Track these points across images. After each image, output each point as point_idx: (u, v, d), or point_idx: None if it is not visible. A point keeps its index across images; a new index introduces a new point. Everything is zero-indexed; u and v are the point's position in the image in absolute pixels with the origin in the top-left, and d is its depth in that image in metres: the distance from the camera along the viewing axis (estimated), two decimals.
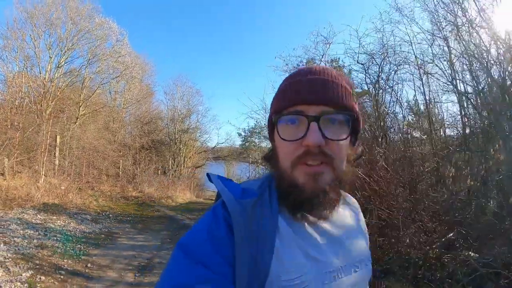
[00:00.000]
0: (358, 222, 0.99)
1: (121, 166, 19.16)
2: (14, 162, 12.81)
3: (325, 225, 0.85)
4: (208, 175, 0.92)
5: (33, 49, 18.88)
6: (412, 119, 8.51)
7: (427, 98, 7.85)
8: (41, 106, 16.60)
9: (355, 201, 1.07)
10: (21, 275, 5.66)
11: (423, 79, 7.75)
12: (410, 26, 7.87)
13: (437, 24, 7.37)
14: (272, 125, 0.89)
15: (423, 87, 7.80)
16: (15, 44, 18.51)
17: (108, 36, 21.71)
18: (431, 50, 7.60)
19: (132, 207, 12.97)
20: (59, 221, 9.41)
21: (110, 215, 11.07)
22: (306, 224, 0.82)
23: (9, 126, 13.86)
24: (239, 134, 24.07)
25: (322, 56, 9.47)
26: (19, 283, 5.36)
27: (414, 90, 8.16)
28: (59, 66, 19.60)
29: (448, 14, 7.00)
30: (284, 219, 0.80)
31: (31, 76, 18.42)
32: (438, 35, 7.33)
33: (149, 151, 23.69)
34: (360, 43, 8.33)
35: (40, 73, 19.07)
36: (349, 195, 1.04)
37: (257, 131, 18.46)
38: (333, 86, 0.82)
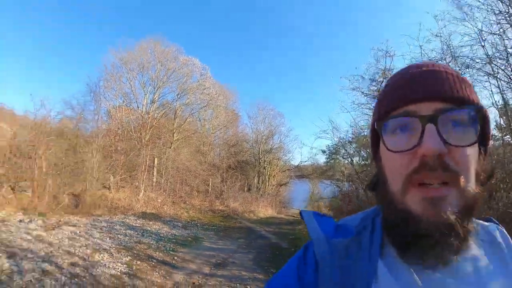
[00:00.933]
0: (506, 268, 0.63)
1: (210, 183, 20.98)
2: (119, 179, 15.11)
3: (447, 274, 0.59)
4: (300, 213, 0.77)
5: (130, 88, 23.06)
6: None
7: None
8: (140, 134, 19.34)
9: (504, 233, 0.70)
10: (122, 259, 7.02)
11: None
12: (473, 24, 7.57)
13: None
14: (375, 136, 0.70)
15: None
16: (114, 84, 22.63)
17: (193, 72, 24.95)
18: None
19: (217, 219, 14.21)
20: (155, 226, 10.93)
21: (198, 224, 12.28)
22: (418, 272, 0.59)
23: (114, 151, 16.42)
24: (323, 152, 24.17)
25: (386, 70, 9.50)
26: (120, 264, 6.70)
27: (491, 90, 7.67)
28: (153, 101, 23.32)
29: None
30: (387, 264, 0.62)
31: (130, 109, 22.29)
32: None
33: (235, 170, 25.33)
34: (421, 50, 8.36)
35: (138, 107, 22.93)
36: (491, 223, 0.72)
37: (340, 148, 18.62)
38: (448, 76, 0.63)
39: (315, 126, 18.68)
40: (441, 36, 8.13)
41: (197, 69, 25.12)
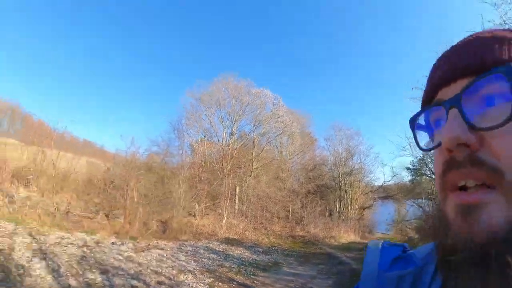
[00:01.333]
0: None
1: (290, 209, 21.18)
2: (203, 207, 16.19)
3: None
4: (368, 245, 0.66)
5: (209, 123, 25.73)
6: None
7: None
8: (222, 164, 20.73)
9: None
10: (205, 280, 7.60)
11: None
12: None
13: None
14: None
15: None
16: (195, 122, 25.59)
17: (266, 103, 26.39)
18: None
19: (298, 245, 14.25)
20: (236, 251, 11.46)
21: (278, 250, 12.50)
22: None
23: (198, 181, 17.71)
24: (407, 169, 23.06)
25: None
26: (202, 284, 7.28)
27: None
28: (232, 133, 25.47)
29: None
30: None
31: (211, 143, 24.91)
32: None
33: (315, 195, 25.14)
34: None
35: (218, 140, 25.41)
36: None
37: (423, 165, 17.81)
38: (490, 41, 0.46)
39: (392, 143, 17.84)
40: (506, 24, 7.55)
41: (269, 99, 26.48)
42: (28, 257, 7.78)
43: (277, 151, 28.70)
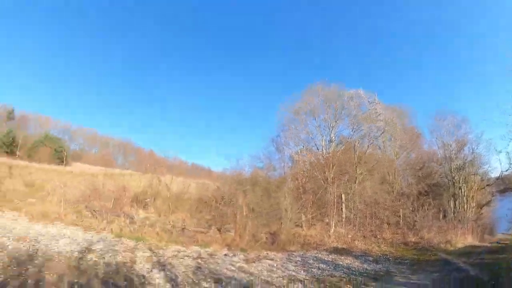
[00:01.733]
0: None
1: (401, 214, 19.86)
2: (310, 217, 16.30)
3: None
4: None
5: (307, 133, 26.02)
6: None
7: None
8: (325, 173, 20.67)
9: None
10: None
11: None
12: None
13: None
14: None
15: None
16: (292, 134, 26.45)
17: (361, 103, 25.56)
18: None
19: (410, 252, 13.43)
20: (346, 260, 11.47)
21: (390, 258, 11.99)
22: None
23: (302, 192, 17.90)
24: None
25: None
26: None
27: None
28: (331, 140, 25.24)
29: None
30: None
31: (311, 152, 25.28)
32: None
33: (427, 196, 23.29)
34: None
35: (318, 149, 25.57)
36: None
37: None
38: None
39: (501, 124, 14.67)
40: None
41: (364, 99, 25.58)
42: (148, 268, 8.92)
43: (381, 152, 27.16)
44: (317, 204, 18.32)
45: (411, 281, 9.20)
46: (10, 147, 56.44)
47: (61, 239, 10.90)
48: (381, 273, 10.14)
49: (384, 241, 15.60)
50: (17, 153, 52.95)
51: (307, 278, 9.02)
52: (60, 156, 39.87)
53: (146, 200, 16.43)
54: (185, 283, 8.17)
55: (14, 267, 7.48)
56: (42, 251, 9.21)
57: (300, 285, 8.37)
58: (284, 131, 26.65)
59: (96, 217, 14.21)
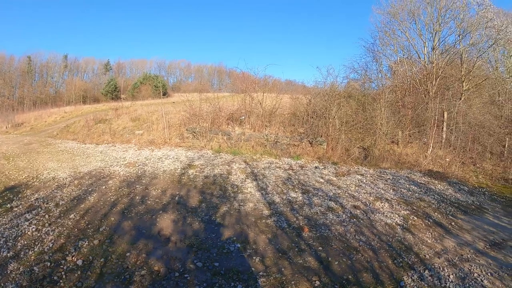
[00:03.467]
0: None
1: (506, 144, 17.38)
2: (407, 134, 15.75)
3: None
4: None
5: (406, 40, 23.03)
6: None
7: None
8: (427, 86, 19.00)
9: None
10: (400, 212, 7.92)
11: None
12: None
13: None
14: None
15: None
16: (390, 40, 23.76)
17: (469, 4, 21.05)
18: None
19: (509, 190, 11.98)
20: (439, 186, 11.15)
21: (486, 192, 10.99)
22: None
23: (401, 106, 16.98)
24: None
25: None
26: (397, 215, 7.69)
27: None
28: (434, 48, 21.91)
29: None
30: None
31: (412, 62, 22.49)
32: None
33: None
34: None
35: (419, 58, 22.68)
36: None
37: None
38: None
39: None
40: None
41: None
42: (242, 178, 9.90)
43: (492, 67, 23.44)
44: (416, 120, 17.33)
45: (503, 223, 8.20)
46: (115, 93, 65.07)
47: (166, 160, 12.61)
48: (473, 207, 9.37)
49: (483, 171, 14.19)
50: (121, 96, 59.25)
51: (394, 198, 9.09)
52: (159, 91, 43.54)
53: (241, 118, 17.26)
54: (274, 192, 8.90)
55: (125, 188, 9.05)
56: (149, 172, 10.86)
57: (386, 204, 8.50)
58: (380, 38, 24.21)
59: (197, 138, 15.80)
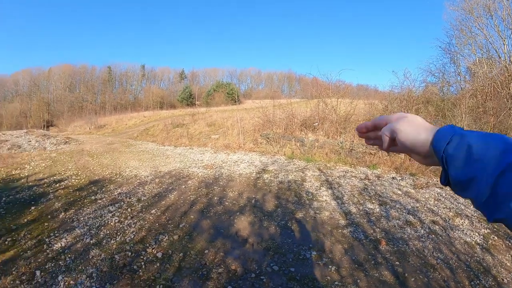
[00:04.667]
0: None
1: None
2: None
3: None
4: None
5: (484, 38, 20.49)
6: None
7: None
8: (508, 89, 17.19)
9: None
10: (480, 230, 7.29)
11: None
12: None
13: None
14: None
15: None
16: (467, 39, 21.34)
17: None
18: None
19: None
20: None
21: None
22: None
23: (482, 112, 15.52)
24: None
25: None
26: (477, 234, 7.02)
27: None
28: None
29: None
30: None
31: (491, 62, 20.03)
32: None
33: None
34: None
35: (499, 57, 20.04)
36: None
37: None
38: None
39: None
40: None
41: None
42: (316, 186, 9.62)
43: None
44: (499, 128, 15.82)
45: None
46: (189, 100, 68.90)
47: (241, 163, 12.78)
48: None
49: None
50: (196, 103, 62.67)
51: (475, 215, 8.29)
52: (232, 98, 45.27)
53: (314, 124, 17.06)
54: (350, 202, 8.57)
55: (203, 188, 9.28)
56: (225, 175, 11.05)
57: (466, 221, 7.79)
58: (457, 37, 22.03)
59: (271, 143, 15.87)
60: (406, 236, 6.74)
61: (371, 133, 0.92)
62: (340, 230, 6.79)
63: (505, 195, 0.54)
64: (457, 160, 0.63)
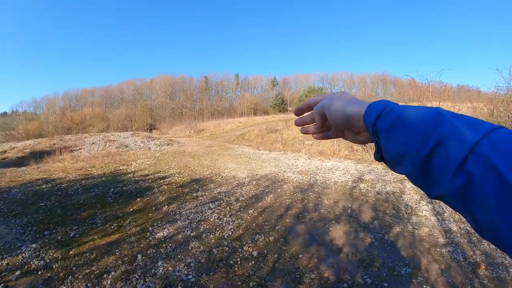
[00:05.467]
0: None
1: None
2: None
3: None
4: None
5: None
6: None
7: None
8: None
9: None
10: None
11: None
12: None
13: None
14: None
15: None
16: None
17: None
18: None
19: None
20: None
21: None
22: None
23: None
24: None
25: None
26: None
27: None
28: None
29: None
30: None
31: None
32: None
33: None
34: None
35: None
36: None
37: None
38: None
39: None
40: None
41: None
42: (416, 199, 8.89)
43: None
44: None
45: None
46: (282, 106, 70.14)
47: (336, 171, 12.48)
48: None
49: None
50: (288, 109, 63.60)
51: None
52: None
53: None
54: (451, 219, 7.89)
55: (298, 194, 9.24)
56: (320, 181, 10.87)
57: None
58: None
59: (367, 151, 15.38)
60: (507, 262, 6.01)
61: (307, 117, 0.85)
62: (438, 249, 6.27)
63: (443, 169, 0.49)
64: (388, 133, 0.59)
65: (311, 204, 8.23)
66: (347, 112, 0.70)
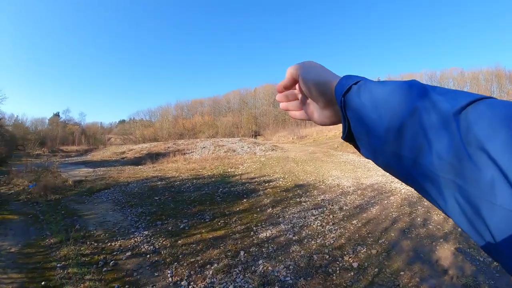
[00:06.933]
0: None
1: None
2: None
3: None
4: None
5: None
6: None
7: None
8: None
9: None
10: None
11: None
12: None
13: None
14: None
15: None
16: None
17: None
18: None
19: None
20: None
21: None
22: None
23: None
24: None
25: None
26: None
27: None
28: None
29: None
30: None
31: None
32: None
33: None
34: None
35: None
36: None
37: None
38: None
39: None
40: None
41: None
42: None
43: None
44: None
45: None
46: None
47: None
48: None
49: None
50: None
51: None
52: None
53: None
54: None
55: (406, 207, 8.78)
56: None
57: None
58: None
59: None
60: None
61: (290, 94, 0.84)
62: None
63: (418, 147, 0.46)
64: (358, 108, 0.56)
65: (419, 219, 7.85)
66: (320, 77, 0.69)
